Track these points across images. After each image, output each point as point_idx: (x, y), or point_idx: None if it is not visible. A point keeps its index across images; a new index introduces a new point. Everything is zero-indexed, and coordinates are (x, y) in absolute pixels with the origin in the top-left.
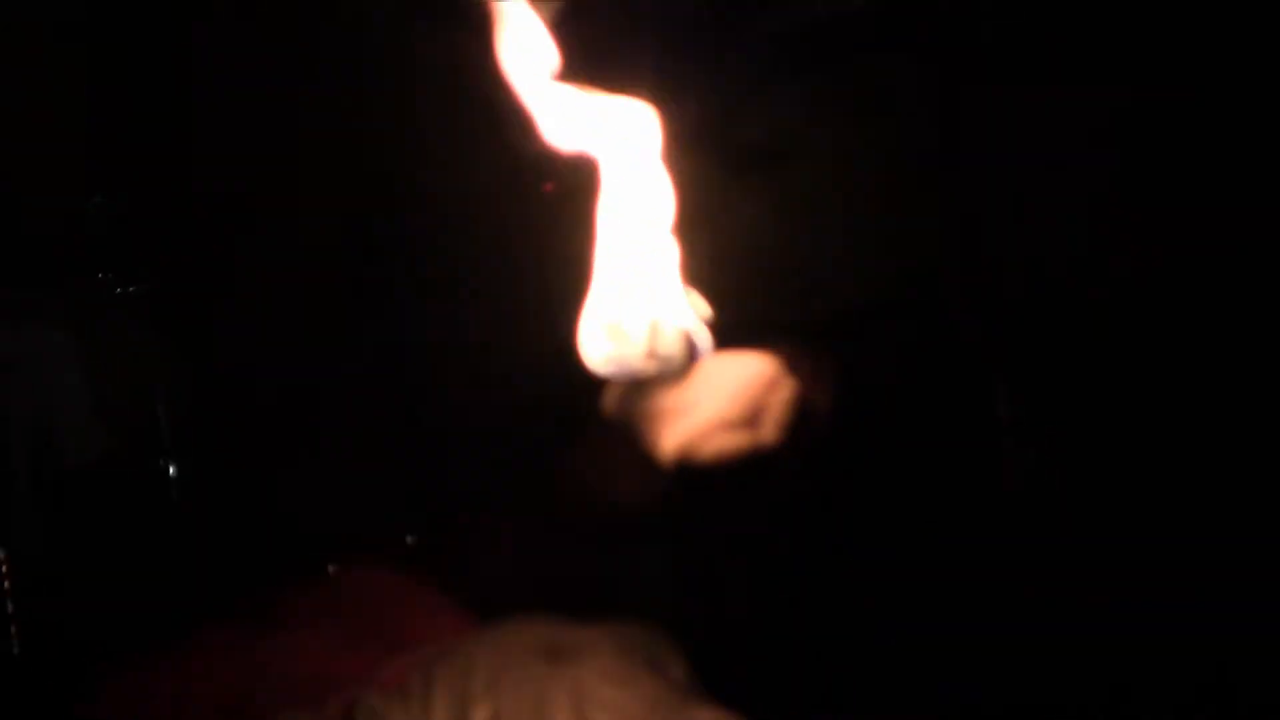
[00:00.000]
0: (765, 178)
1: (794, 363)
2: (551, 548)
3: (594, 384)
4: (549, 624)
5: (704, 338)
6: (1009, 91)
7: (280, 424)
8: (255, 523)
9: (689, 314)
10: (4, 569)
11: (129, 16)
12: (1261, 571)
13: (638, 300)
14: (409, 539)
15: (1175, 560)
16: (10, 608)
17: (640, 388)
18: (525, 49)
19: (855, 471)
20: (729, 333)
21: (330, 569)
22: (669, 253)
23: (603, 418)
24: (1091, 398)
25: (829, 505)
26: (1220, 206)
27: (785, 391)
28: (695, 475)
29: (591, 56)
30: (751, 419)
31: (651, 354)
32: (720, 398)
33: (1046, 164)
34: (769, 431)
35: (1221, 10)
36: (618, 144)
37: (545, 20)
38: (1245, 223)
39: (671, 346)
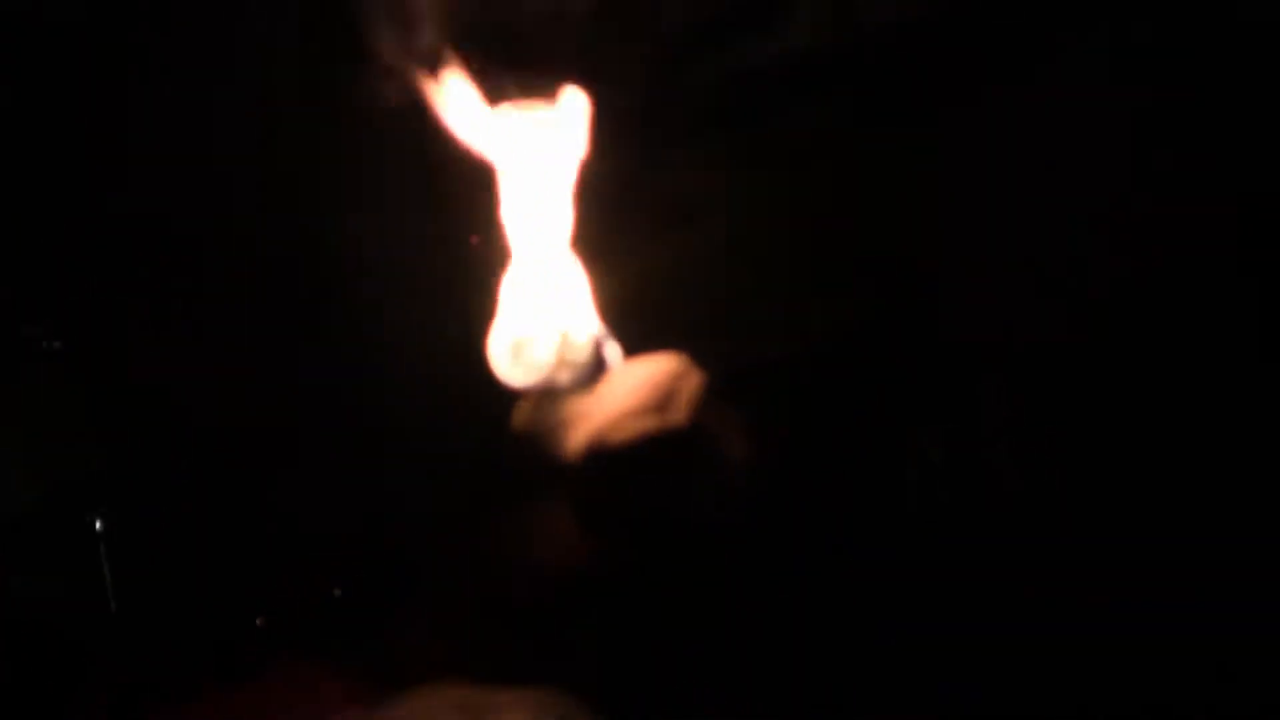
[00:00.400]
0: (689, 225)
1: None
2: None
3: (508, 401)
4: (463, 688)
5: (614, 347)
6: (946, 138)
7: (214, 474)
8: (187, 573)
9: (598, 324)
10: None
11: (53, 65)
12: (1253, 576)
13: (547, 312)
14: (336, 592)
15: (1172, 561)
16: None
17: (552, 398)
18: (450, 91)
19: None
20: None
21: (259, 621)
22: (579, 268)
23: (516, 434)
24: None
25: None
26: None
27: (693, 379)
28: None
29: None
30: (660, 406)
31: (562, 364)
32: (627, 391)
33: (984, 212)
34: (678, 416)
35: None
36: (533, 163)
37: (470, 65)
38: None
39: (582, 356)
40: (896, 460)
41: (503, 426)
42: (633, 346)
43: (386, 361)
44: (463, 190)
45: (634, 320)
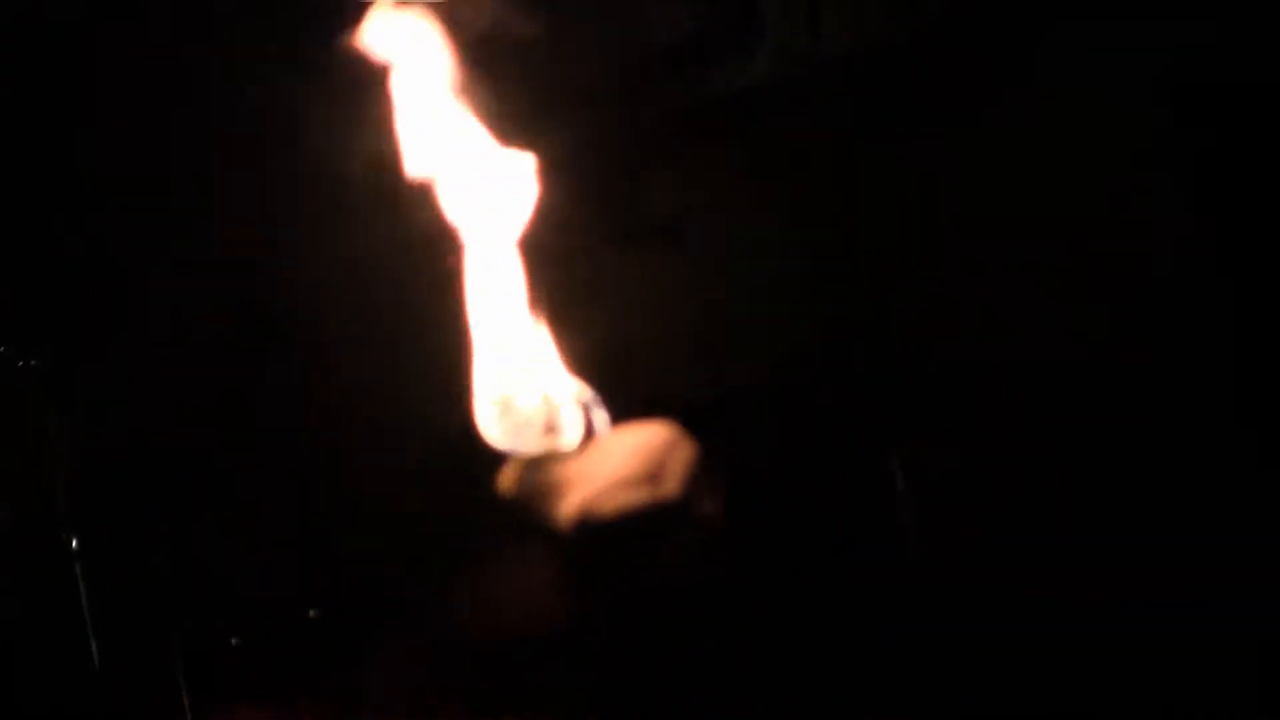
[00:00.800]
0: (666, 250)
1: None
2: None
3: (493, 463)
4: None
5: (600, 411)
6: (916, 157)
7: (182, 495)
8: (158, 595)
9: (584, 388)
10: None
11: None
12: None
13: (533, 375)
14: (312, 613)
15: (1170, 563)
16: None
17: (538, 463)
18: (419, 115)
19: (750, 548)
20: (626, 407)
21: (234, 641)
22: (562, 327)
23: (502, 496)
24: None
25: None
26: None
27: (684, 451)
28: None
29: (487, 124)
30: (651, 477)
31: (549, 428)
32: (618, 459)
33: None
34: (670, 488)
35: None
36: (508, 212)
37: (439, 86)
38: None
39: (568, 420)
40: (886, 476)
41: (482, 473)
42: (619, 365)
43: (355, 389)
44: (433, 226)
45: (619, 342)
